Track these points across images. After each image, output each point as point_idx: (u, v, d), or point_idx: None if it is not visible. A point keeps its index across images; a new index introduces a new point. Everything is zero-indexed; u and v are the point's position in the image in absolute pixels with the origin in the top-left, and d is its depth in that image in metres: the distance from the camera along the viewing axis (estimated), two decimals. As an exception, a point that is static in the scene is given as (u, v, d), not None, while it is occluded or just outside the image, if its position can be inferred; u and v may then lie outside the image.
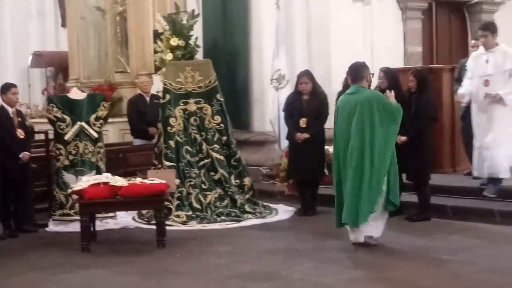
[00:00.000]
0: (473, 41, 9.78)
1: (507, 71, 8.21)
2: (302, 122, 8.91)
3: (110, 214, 8.65)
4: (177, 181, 8.72)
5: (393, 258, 6.80)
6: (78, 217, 7.73)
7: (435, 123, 8.70)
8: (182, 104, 9.32)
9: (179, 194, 8.88)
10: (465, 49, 13.03)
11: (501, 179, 8.36)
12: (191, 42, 9.88)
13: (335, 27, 11.61)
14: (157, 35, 10.47)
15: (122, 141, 10.74)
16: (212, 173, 9.23)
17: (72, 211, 8.53)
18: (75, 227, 8.03)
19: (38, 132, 9.85)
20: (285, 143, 9.70)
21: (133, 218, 8.96)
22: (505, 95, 8.17)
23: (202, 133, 9.34)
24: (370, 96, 7.21)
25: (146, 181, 7.66)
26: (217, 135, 9.37)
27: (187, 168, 9.12)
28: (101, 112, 8.89)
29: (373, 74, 7.71)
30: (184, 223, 8.64)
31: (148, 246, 7.55)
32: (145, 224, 8.71)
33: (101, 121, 8.90)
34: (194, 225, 8.60)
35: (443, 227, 7.90)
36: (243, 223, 8.68)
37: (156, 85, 10.42)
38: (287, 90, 9.95)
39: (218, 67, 9.85)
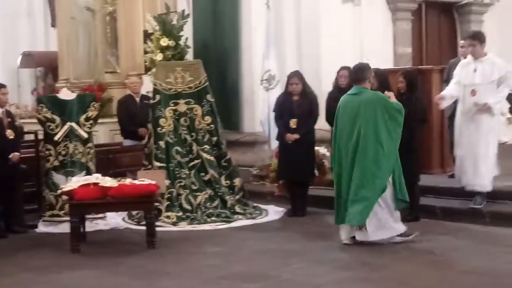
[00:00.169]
0: (461, 42, 9.79)
1: (495, 81, 8.21)
2: (292, 123, 8.92)
3: (100, 215, 8.62)
4: (167, 182, 8.73)
5: (383, 258, 6.81)
6: (68, 218, 7.71)
7: (424, 124, 8.73)
8: (172, 105, 9.32)
9: (169, 195, 8.88)
10: (454, 50, 13.11)
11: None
12: (181, 42, 9.88)
13: (325, 28, 11.65)
14: (147, 36, 10.47)
15: (112, 142, 10.71)
16: (202, 174, 9.24)
17: (62, 212, 8.51)
18: (65, 228, 8.00)
19: (28, 133, 9.82)
20: (275, 144, 9.71)
21: (123, 219, 8.95)
22: (494, 105, 8.17)
23: (192, 133, 9.34)
24: (374, 97, 7.32)
25: (136, 181, 7.66)
26: (207, 136, 9.37)
27: (177, 169, 9.12)
28: (91, 113, 8.86)
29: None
30: (174, 224, 8.64)
31: (138, 247, 7.54)
32: (135, 225, 8.70)
33: (91, 121, 8.87)
34: (184, 226, 8.60)
35: (432, 227, 7.93)
36: (233, 224, 8.69)
37: (146, 86, 10.41)
38: (277, 91, 9.96)
39: (208, 68, 9.84)
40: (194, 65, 9.63)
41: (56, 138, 8.67)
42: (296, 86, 8.97)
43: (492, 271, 6.31)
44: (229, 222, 8.74)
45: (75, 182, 7.66)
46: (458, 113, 8.50)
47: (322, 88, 10.03)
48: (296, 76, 9.06)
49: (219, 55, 11.59)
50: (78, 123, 8.75)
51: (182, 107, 9.35)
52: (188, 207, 8.91)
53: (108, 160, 9.63)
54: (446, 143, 9.71)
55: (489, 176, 8.20)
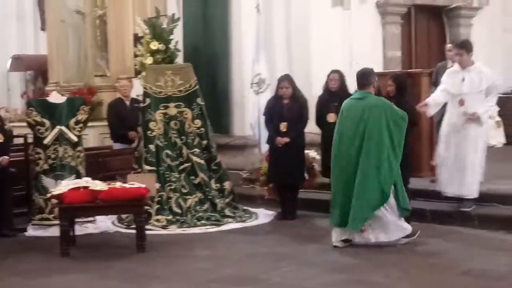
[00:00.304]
0: (448, 45, 9.80)
1: (483, 91, 8.24)
2: (283, 126, 8.94)
3: (90, 219, 8.61)
4: (157, 185, 8.72)
5: (373, 261, 6.83)
6: (58, 222, 7.70)
7: (414, 127, 8.74)
8: (162, 108, 9.32)
9: (159, 198, 8.87)
10: (443, 53, 13.04)
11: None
12: (172, 46, 9.86)
13: (315, 32, 11.67)
14: (137, 39, 10.45)
15: (102, 145, 10.71)
16: (192, 177, 9.23)
17: (52, 215, 8.49)
18: (55, 231, 7.97)
19: (17, 136, 9.79)
20: (265, 147, 9.71)
21: (113, 223, 8.92)
22: (482, 114, 8.21)
23: (183, 137, 9.33)
24: (379, 103, 7.37)
25: (126, 185, 7.65)
26: (197, 139, 9.37)
27: (167, 172, 9.11)
28: (81, 116, 8.85)
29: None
30: (164, 227, 8.63)
31: (128, 251, 7.53)
32: (125, 228, 8.68)
33: (81, 125, 8.86)
34: (174, 229, 8.59)
35: (422, 230, 7.93)
36: (223, 227, 8.69)
37: (136, 89, 10.39)
38: (268, 94, 9.96)
39: (198, 71, 9.85)
40: (184, 68, 9.63)
41: (45, 141, 8.65)
42: (286, 89, 8.98)
43: (487, 273, 6.34)
44: (219, 225, 8.74)
45: (65, 185, 7.64)
46: (444, 123, 8.52)
47: (312, 91, 10.03)
48: (286, 79, 9.08)
49: (209, 58, 11.60)
50: (68, 126, 8.73)
51: (172, 110, 9.35)
52: (178, 211, 8.90)
53: (98, 164, 9.61)
54: (436, 147, 9.72)
55: (476, 184, 8.26)
